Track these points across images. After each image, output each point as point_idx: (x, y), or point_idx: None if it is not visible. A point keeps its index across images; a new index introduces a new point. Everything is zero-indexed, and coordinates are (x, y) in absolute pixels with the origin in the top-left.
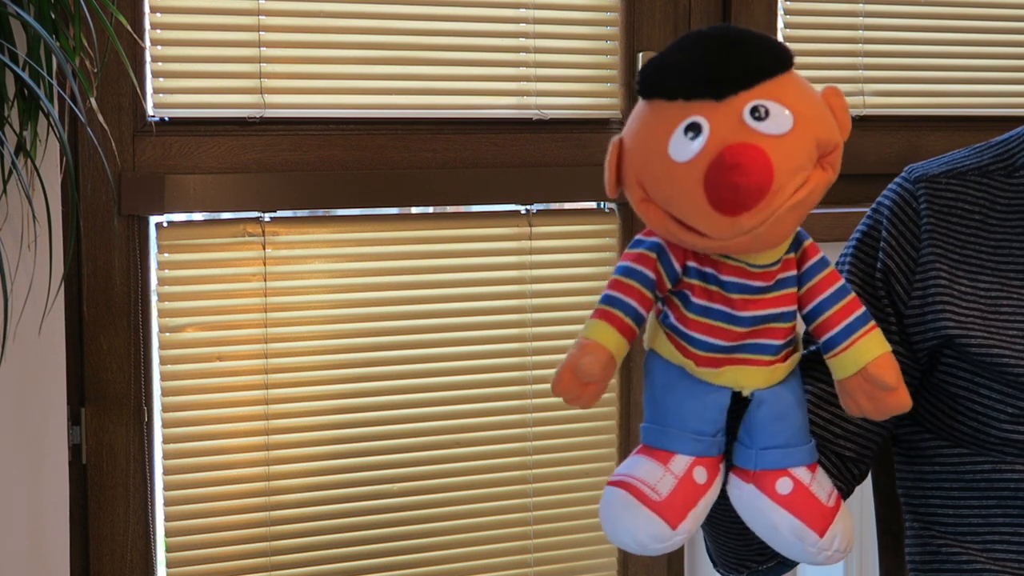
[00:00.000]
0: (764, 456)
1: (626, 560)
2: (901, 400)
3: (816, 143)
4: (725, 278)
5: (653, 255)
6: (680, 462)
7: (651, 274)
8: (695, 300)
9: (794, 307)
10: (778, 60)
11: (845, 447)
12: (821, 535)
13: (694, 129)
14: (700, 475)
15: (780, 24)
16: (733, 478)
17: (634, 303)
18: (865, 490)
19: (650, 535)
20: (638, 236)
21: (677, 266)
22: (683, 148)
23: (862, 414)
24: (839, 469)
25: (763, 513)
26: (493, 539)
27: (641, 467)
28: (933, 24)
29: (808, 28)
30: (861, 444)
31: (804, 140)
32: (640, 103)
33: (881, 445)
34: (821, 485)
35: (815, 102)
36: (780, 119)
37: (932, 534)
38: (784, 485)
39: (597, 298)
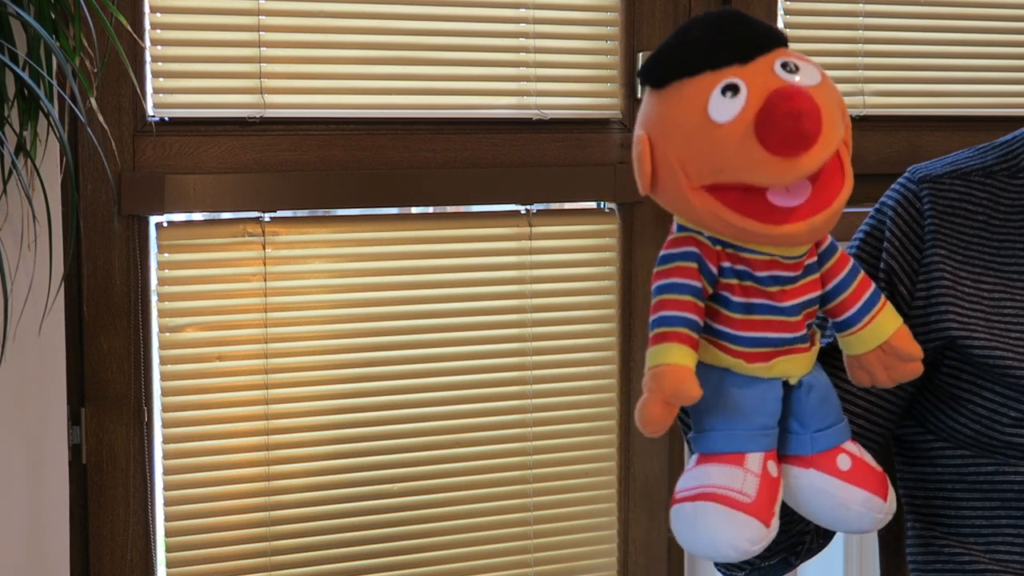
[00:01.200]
0: (819, 438)
1: (626, 560)
2: (917, 368)
3: (840, 107)
4: (760, 273)
5: (693, 265)
6: (755, 460)
7: (698, 283)
8: (735, 299)
9: (819, 291)
10: (780, 34)
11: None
12: (885, 499)
13: (732, 89)
14: (772, 468)
15: (780, 24)
16: (790, 468)
17: (694, 316)
18: None
19: (750, 538)
20: (664, 252)
21: (714, 269)
22: (725, 108)
23: (873, 383)
24: None
25: (830, 494)
26: (493, 539)
27: (715, 475)
28: (933, 24)
29: (808, 28)
30: (865, 437)
31: (834, 95)
32: (652, 96)
33: (883, 445)
34: (867, 454)
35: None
36: (810, 72)
37: (934, 534)
38: (844, 461)
39: (597, 298)
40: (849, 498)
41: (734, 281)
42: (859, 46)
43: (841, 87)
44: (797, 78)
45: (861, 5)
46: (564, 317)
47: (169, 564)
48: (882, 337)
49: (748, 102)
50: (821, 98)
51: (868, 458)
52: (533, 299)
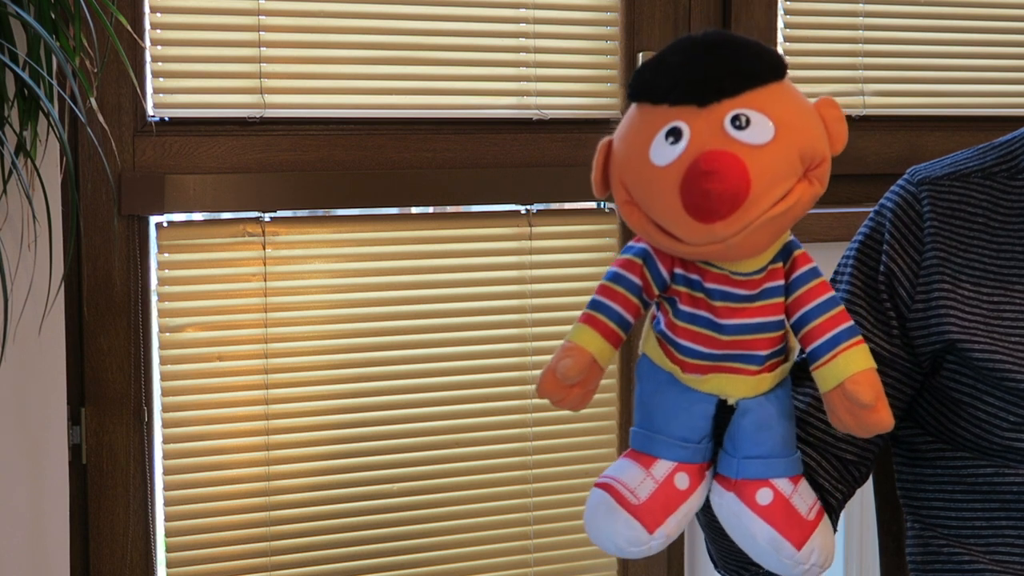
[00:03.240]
0: (746, 465)
1: (626, 560)
2: (880, 418)
3: (800, 155)
4: (709, 285)
5: (640, 261)
6: (662, 467)
7: (637, 280)
8: (682, 307)
9: (780, 317)
10: (769, 69)
11: (846, 450)
12: (799, 548)
13: (675, 134)
14: (682, 481)
15: (780, 24)
16: (716, 485)
17: (618, 308)
18: (865, 491)
19: (627, 539)
20: (629, 243)
21: (664, 272)
22: (663, 152)
23: (846, 430)
24: (840, 472)
25: (741, 522)
26: (493, 539)
27: (625, 471)
28: (933, 24)
29: (808, 28)
30: (862, 447)
31: (786, 151)
32: (632, 106)
33: (882, 447)
34: (803, 498)
35: (803, 113)
36: (761, 129)
37: (933, 535)
38: (764, 496)
39: None
40: (756, 532)
41: (683, 289)
42: (859, 46)
43: (841, 87)
44: (742, 136)
45: (861, 5)
46: (564, 317)
47: (169, 564)
48: (840, 377)
49: (684, 154)
50: (760, 161)
51: (800, 503)
52: (533, 299)
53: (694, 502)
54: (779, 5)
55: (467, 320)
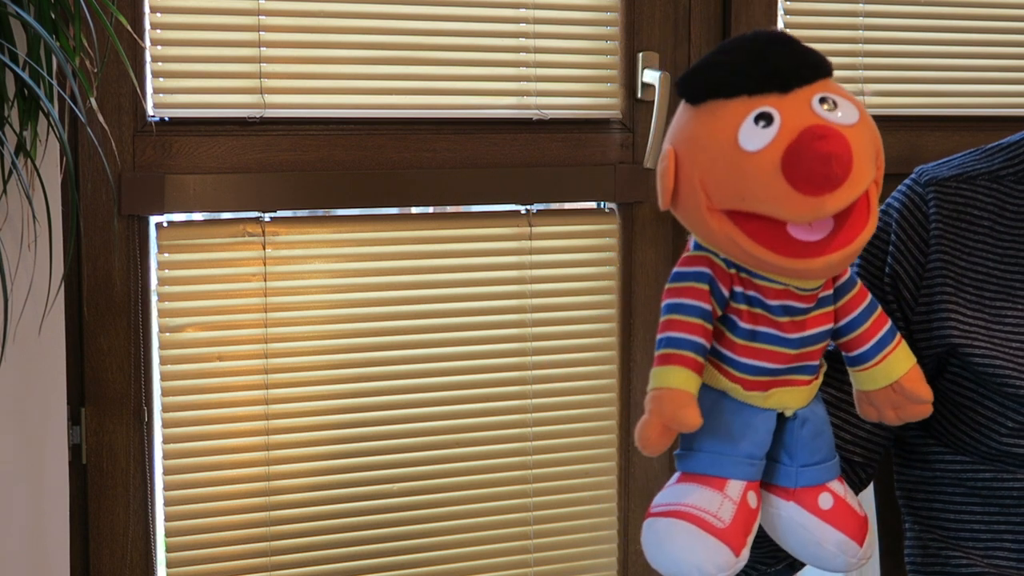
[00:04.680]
0: (804, 473)
1: (626, 561)
2: (926, 411)
3: (875, 146)
4: (771, 302)
5: (705, 287)
6: (735, 487)
7: (707, 306)
8: (742, 324)
9: (832, 325)
10: (827, 64)
11: (854, 452)
12: (861, 544)
13: (765, 118)
14: (752, 499)
15: (780, 24)
16: (770, 497)
17: (702, 340)
18: (865, 492)
19: (717, 564)
20: (677, 269)
21: (725, 292)
22: (756, 137)
23: (879, 420)
24: (846, 474)
25: (807, 530)
26: (493, 539)
27: (694, 495)
28: (933, 24)
29: (808, 28)
30: (869, 449)
31: (870, 136)
32: (686, 111)
33: (887, 449)
34: (852, 496)
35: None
36: (848, 110)
37: (932, 537)
38: (826, 500)
39: (597, 298)
40: (825, 538)
41: (743, 307)
42: (859, 46)
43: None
44: (835, 116)
45: (861, 5)
46: (564, 317)
47: (169, 564)
48: (893, 377)
49: (780, 134)
50: (856, 139)
51: (852, 500)
52: (533, 299)
53: (759, 518)
54: (779, 5)
55: (467, 320)
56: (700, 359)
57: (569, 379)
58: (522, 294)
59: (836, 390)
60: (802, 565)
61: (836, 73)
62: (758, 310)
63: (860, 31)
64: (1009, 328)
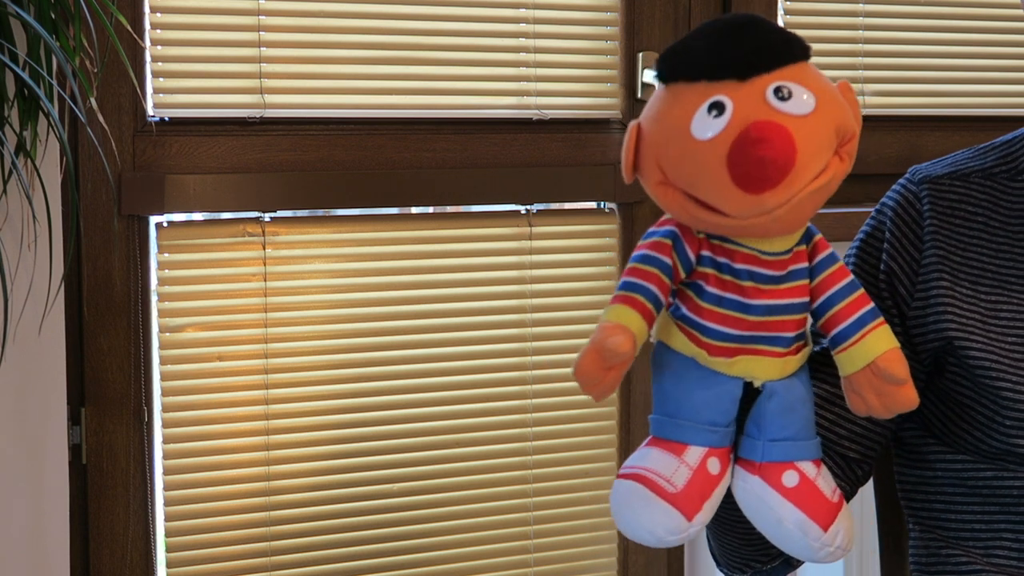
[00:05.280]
0: (771, 448)
1: (626, 560)
2: (909, 396)
3: (835, 129)
4: (738, 266)
5: (669, 242)
6: (694, 453)
7: (667, 260)
8: (709, 289)
9: (806, 299)
10: (799, 48)
11: (849, 448)
12: (825, 529)
13: (717, 108)
14: (714, 466)
15: (780, 24)
16: (738, 470)
17: (653, 287)
18: (866, 491)
19: (667, 528)
20: (651, 228)
21: (692, 255)
22: (706, 126)
23: (869, 411)
24: (843, 470)
25: (768, 505)
26: (493, 539)
27: (654, 459)
28: (933, 24)
29: (808, 28)
30: (865, 445)
31: (825, 123)
32: (659, 89)
33: (884, 446)
34: (826, 481)
35: (833, 90)
36: (802, 100)
37: (933, 537)
38: (791, 478)
39: (597, 298)
40: (784, 516)
41: (710, 271)
42: (859, 46)
43: None
44: (786, 106)
45: (861, 5)
46: (564, 317)
47: (169, 564)
48: (870, 356)
49: (729, 125)
50: (805, 130)
51: (824, 484)
52: (533, 299)
53: (724, 486)
54: (779, 5)
55: (467, 320)
56: (648, 304)
57: (569, 379)
58: (522, 294)
59: (832, 386)
60: (799, 563)
61: (836, 73)
62: (727, 276)
63: (860, 31)
64: (1004, 322)
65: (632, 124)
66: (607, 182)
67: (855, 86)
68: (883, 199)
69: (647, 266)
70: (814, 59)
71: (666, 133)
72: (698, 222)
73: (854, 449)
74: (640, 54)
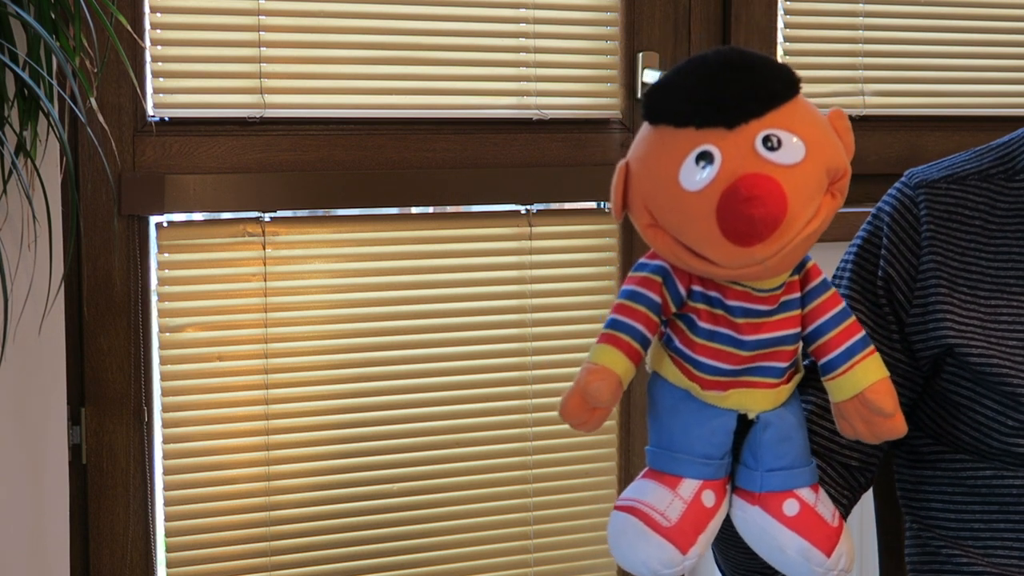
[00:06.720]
0: (769, 478)
1: None
2: (896, 426)
3: (826, 171)
4: (731, 303)
5: (658, 279)
6: (688, 486)
7: (656, 298)
8: (701, 324)
9: (798, 329)
10: (787, 86)
11: (850, 456)
12: (828, 555)
13: (706, 158)
14: (708, 499)
15: (780, 24)
16: (737, 500)
17: (640, 327)
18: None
19: (661, 561)
20: (642, 260)
21: (682, 290)
22: (694, 177)
23: (856, 437)
24: (844, 479)
25: (769, 535)
26: (493, 539)
27: (649, 492)
28: (933, 24)
29: (808, 28)
30: (866, 453)
31: (815, 169)
32: (646, 127)
33: (886, 452)
34: (825, 505)
35: (823, 128)
36: (792, 149)
37: (932, 536)
38: (791, 507)
39: (597, 298)
40: (786, 544)
41: (702, 306)
42: (859, 46)
43: (841, 87)
44: (775, 157)
45: (861, 5)
46: (564, 317)
47: (169, 564)
48: (858, 387)
49: (717, 177)
50: (795, 180)
51: (824, 509)
52: (533, 299)
53: (719, 517)
54: (779, 5)
55: (467, 320)
56: (635, 345)
57: (569, 379)
58: (522, 294)
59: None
60: None
61: (836, 73)
62: (719, 311)
63: (860, 31)
64: (1004, 325)
65: (620, 164)
66: (607, 182)
67: (855, 86)
68: (879, 203)
69: (635, 303)
70: (814, 59)
71: (654, 180)
72: (688, 267)
73: (855, 457)
74: (640, 54)
